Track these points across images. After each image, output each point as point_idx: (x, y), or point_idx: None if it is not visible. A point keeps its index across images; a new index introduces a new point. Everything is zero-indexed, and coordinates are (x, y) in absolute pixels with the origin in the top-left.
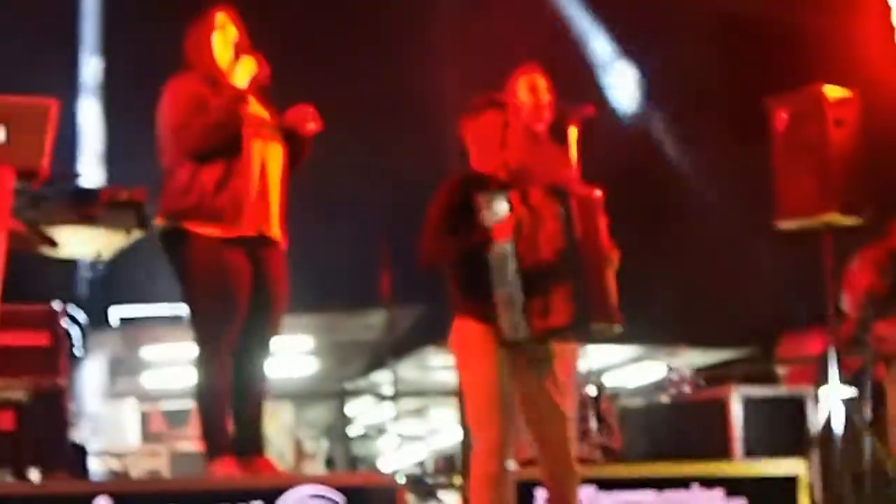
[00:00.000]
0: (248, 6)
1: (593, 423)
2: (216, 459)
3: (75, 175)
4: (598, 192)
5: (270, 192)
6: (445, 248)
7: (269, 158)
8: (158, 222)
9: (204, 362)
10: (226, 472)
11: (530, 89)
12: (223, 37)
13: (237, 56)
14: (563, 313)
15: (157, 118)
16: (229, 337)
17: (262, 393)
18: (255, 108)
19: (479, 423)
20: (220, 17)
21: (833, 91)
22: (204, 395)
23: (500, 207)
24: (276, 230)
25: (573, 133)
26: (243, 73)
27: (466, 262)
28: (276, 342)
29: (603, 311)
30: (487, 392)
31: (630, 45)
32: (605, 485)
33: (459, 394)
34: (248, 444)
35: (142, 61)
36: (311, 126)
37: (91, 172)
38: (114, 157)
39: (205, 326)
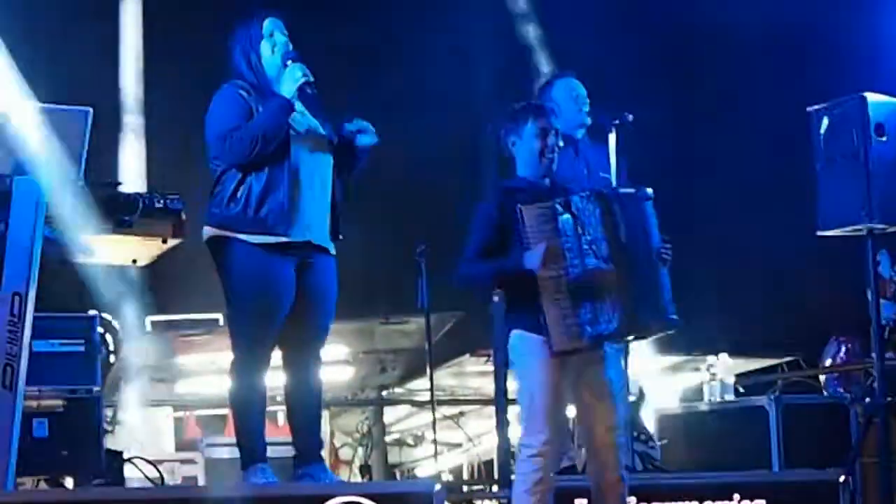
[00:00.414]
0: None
1: (633, 432)
2: (252, 466)
3: (112, 183)
4: (645, 190)
5: (318, 201)
6: (481, 274)
7: (317, 166)
8: (206, 229)
9: (242, 369)
10: (261, 479)
11: (570, 94)
12: (270, 45)
13: (284, 64)
14: (614, 318)
15: (206, 125)
16: (268, 344)
17: (317, 400)
18: (304, 115)
19: (528, 430)
20: (268, 25)
21: (875, 99)
22: (240, 401)
23: (542, 218)
24: (323, 238)
25: (613, 139)
26: (291, 81)
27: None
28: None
29: (654, 311)
30: (538, 401)
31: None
32: (645, 496)
33: (497, 401)
34: (307, 453)
35: (185, 71)
36: (368, 140)
37: (128, 180)
38: (152, 164)
39: (245, 332)
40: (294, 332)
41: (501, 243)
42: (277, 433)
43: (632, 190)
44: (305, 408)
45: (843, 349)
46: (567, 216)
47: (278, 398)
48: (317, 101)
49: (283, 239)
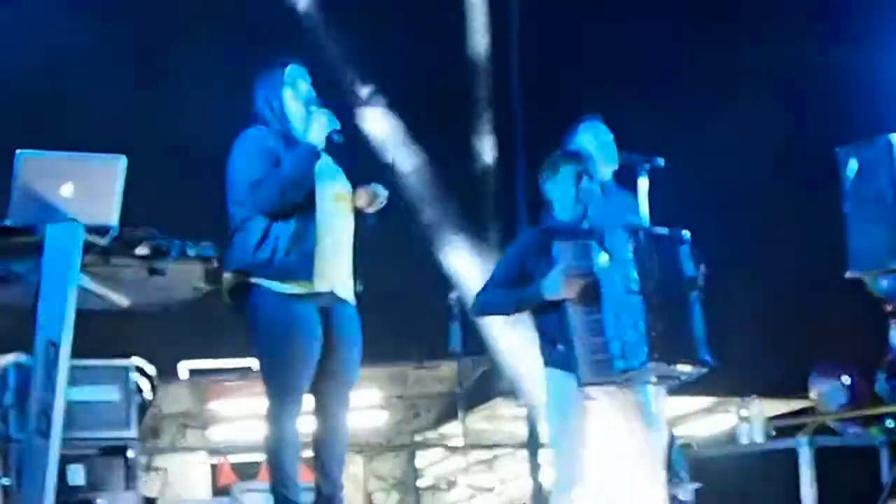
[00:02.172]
0: None
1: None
2: None
3: (145, 230)
4: (680, 233)
5: (342, 250)
6: (500, 301)
7: (342, 216)
8: (228, 276)
9: (274, 416)
10: None
11: (594, 138)
12: (294, 91)
13: (308, 111)
14: (642, 354)
15: (228, 172)
16: (300, 390)
17: (342, 446)
18: (328, 164)
19: (561, 469)
20: (291, 72)
21: None
22: (274, 448)
23: (578, 253)
24: (346, 289)
25: (643, 183)
26: (316, 128)
27: (543, 312)
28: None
29: (685, 350)
30: (568, 443)
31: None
32: None
33: (529, 445)
34: (331, 499)
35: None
36: (376, 207)
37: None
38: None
39: (275, 381)
40: (321, 380)
41: (522, 279)
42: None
43: (666, 231)
44: (330, 453)
45: (849, 385)
46: (602, 253)
47: None
48: (342, 149)
49: (310, 288)
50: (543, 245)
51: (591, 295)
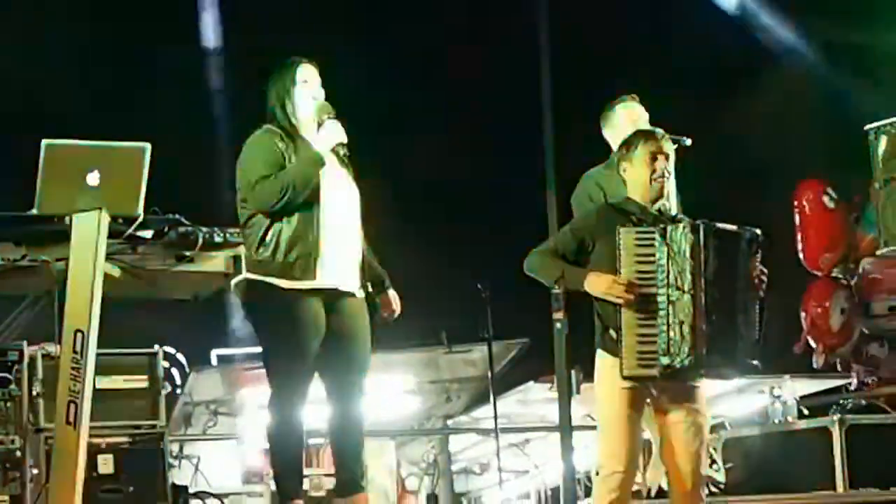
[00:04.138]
0: None
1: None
2: (288, 503)
3: (172, 217)
4: (753, 231)
5: (348, 246)
6: (546, 270)
7: (345, 216)
8: (244, 279)
9: (276, 409)
10: None
11: (630, 119)
12: (304, 92)
13: (319, 122)
14: (687, 352)
15: (237, 169)
16: (303, 381)
17: (358, 433)
18: (334, 167)
19: (604, 453)
20: (303, 71)
21: None
22: (277, 439)
23: (639, 242)
24: (351, 285)
25: (672, 162)
26: (326, 139)
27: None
28: (368, 383)
29: (727, 353)
30: (615, 425)
31: None
32: None
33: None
34: (347, 484)
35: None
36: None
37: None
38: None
39: (278, 375)
40: (332, 370)
41: (579, 252)
42: None
43: (734, 227)
44: (347, 440)
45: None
46: (662, 245)
47: None
48: (349, 157)
49: (312, 284)
50: (609, 223)
51: (635, 301)
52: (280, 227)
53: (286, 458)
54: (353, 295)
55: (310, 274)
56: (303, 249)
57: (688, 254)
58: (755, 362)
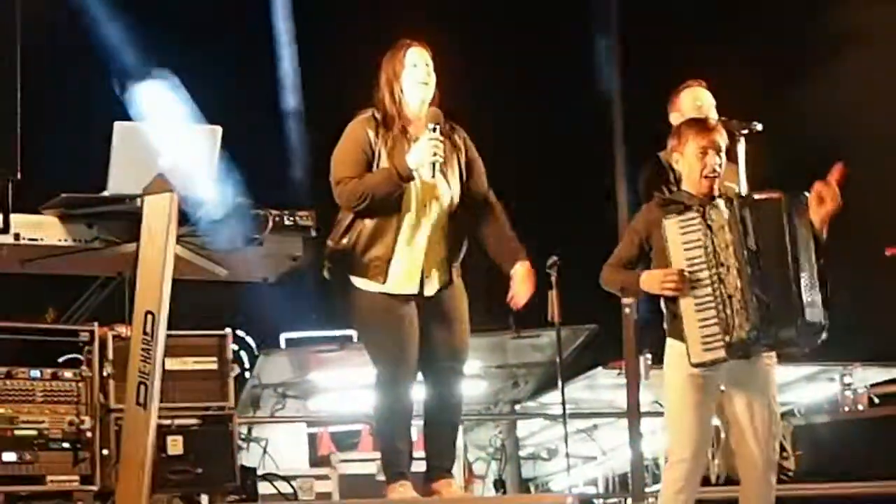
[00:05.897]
0: None
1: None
2: (394, 483)
3: (243, 200)
4: (786, 195)
5: (427, 250)
6: (612, 283)
7: (430, 220)
8: (325, 263)
9: (383, 391)
10: (401, 496)
11: (695, 105)
12: (414, 76)
13: (428, 130)
14: (747, 325)
15: (332, 157)
16: (407, 373)
17: (453, 416)
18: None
19: (673, 441)
20: (413, 55)
21: None
22: (383, 420)
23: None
24: (434, 280)
25: (742, 148)
26: (419, 154)
27: None
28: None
29: (784, 321)
30: (683, 412)
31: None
32: None
33: (630, 414)
34: (436, 467)
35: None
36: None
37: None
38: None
39: (381, 366)
40: (428, 356)
41: (641, 257)
42: None
43: (773, 194)
44: (437, 426)
45: None
46: (704, 226)
47: None
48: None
49: (381, 288)
50: (656, 219)
51: (688, 286)
52: (362, 225)
53: (392, 439)
54: (439, 289)
55: (382, 278)
56: (378, 252)
57: (727, 228)
58: (824, 325)
